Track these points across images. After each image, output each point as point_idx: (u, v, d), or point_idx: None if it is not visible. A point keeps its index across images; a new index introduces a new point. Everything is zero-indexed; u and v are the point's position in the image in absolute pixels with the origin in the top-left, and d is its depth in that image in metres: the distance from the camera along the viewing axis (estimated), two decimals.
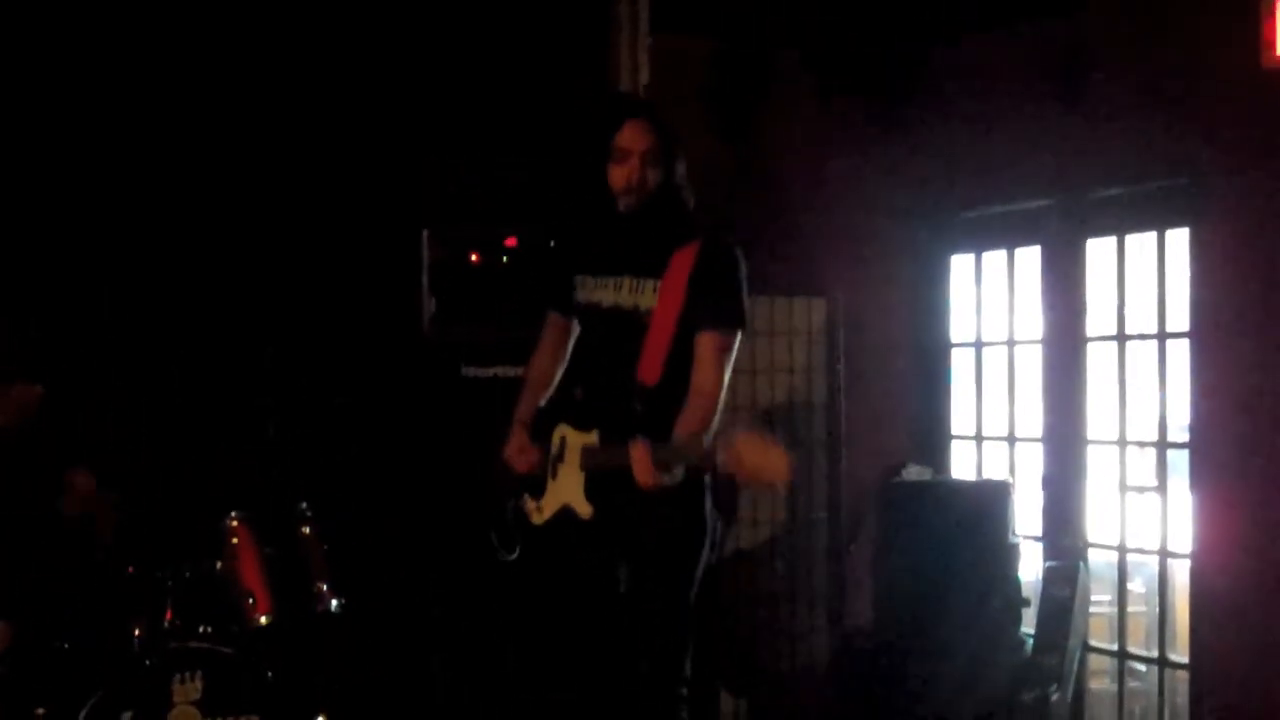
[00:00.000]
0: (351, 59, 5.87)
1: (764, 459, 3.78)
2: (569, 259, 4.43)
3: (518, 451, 4.39)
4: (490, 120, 6.03)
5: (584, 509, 4.22)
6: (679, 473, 4.06)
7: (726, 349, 4.20)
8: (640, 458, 3.99)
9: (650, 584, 4.20)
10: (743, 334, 4.26)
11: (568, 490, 4.28)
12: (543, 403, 4.51)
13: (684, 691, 4.21)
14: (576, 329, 4.49)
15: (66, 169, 5.55)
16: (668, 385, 4.15)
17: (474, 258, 5.87)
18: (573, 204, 4.38)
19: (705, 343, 4.17)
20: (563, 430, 4.34)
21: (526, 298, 4.68)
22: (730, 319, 4.20)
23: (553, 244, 4.77)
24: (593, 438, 4.24)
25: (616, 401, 4.21)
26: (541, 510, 4.37)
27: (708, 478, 4.23)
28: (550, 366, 4.54)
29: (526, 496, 4.42)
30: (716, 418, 4.15)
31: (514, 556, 4.48)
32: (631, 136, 4.16)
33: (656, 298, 4.19)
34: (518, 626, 4.65)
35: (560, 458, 4.33)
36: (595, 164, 4.22)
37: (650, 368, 4.16)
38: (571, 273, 4.39)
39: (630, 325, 4.22)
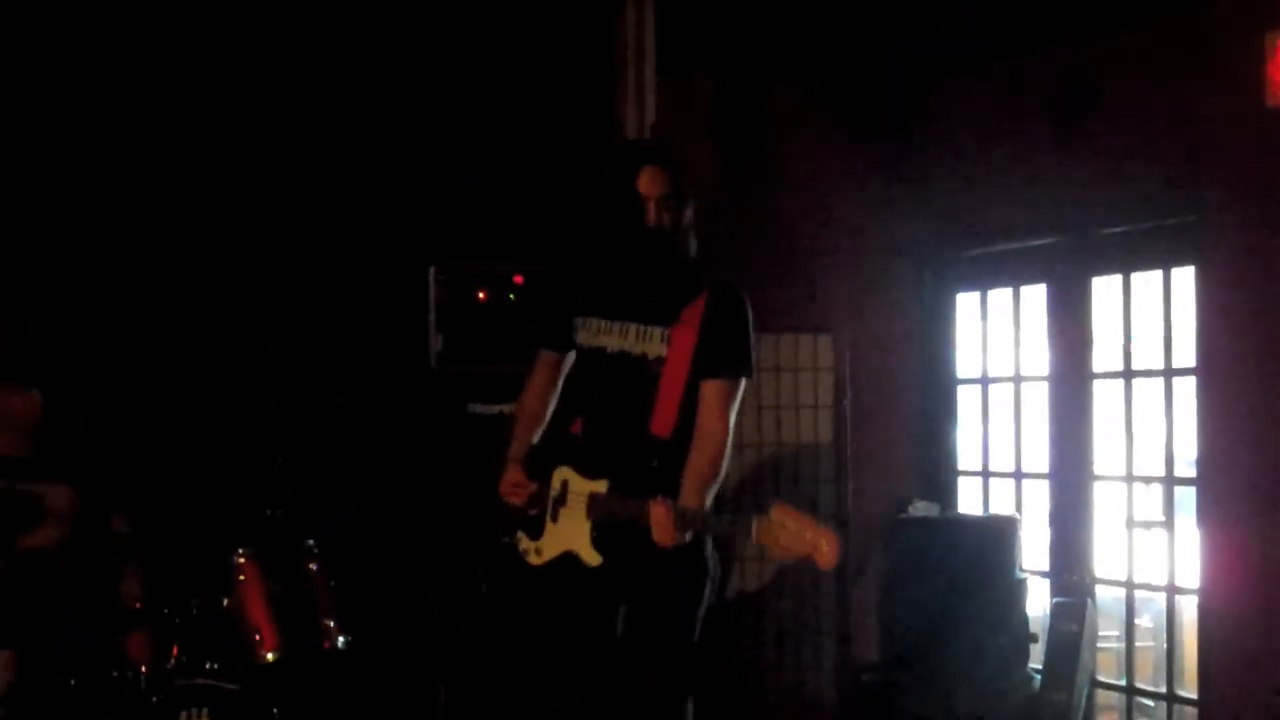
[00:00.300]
0: (363, 92, 5.91)
1: (800, 541, 3.72)
2: (569, 298, 4.41)
3: (511, 486, 4.37)
4: (499, 162, 6.06)
5: (592, 558, 4.18)
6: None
7: (732, 396, 4.21)
8: (661, 518, 3.96)
9: (652, 628, 4.18)
10: (747, 381, 4.27)
11: (571, 536, 4.24)
12: (536, 439, 4.49)
13: None
14: (568, 365, 4.49)
15: (72, 180, 5.58)
16: (681, 438, 4.15)
17: (481, 295, 5.90)
18: (578, 244, 4.37)
19: (711, 390, 4.18)
20: (565, 473, 4.29)
21: (532, 335, 4.69)
22: (736, 367, 4.22)
23: (553, 280, 4.75)
24: (601, 486, 4.20)
25: (627, 451, 4.19)
26: (540, 553, 4.33)
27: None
28: (543, 403, 4.52)
29: (522, 536, 4.38)
30: (725, 464, 4.16)
31: (484, 590, 4.48)
32: (649, 182, 4.16)
33: (666, 347, 4.19)
34: (518, 661, 4.64)
35: (562, 501, 4.29)
36: (603, 206, 4.22)
37: (664, 420, 4.15)
38: (571, 313, 4.38)
39: (640, 373, 4.22)
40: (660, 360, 4.19)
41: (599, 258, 4.30)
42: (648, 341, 4.23)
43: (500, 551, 4.44)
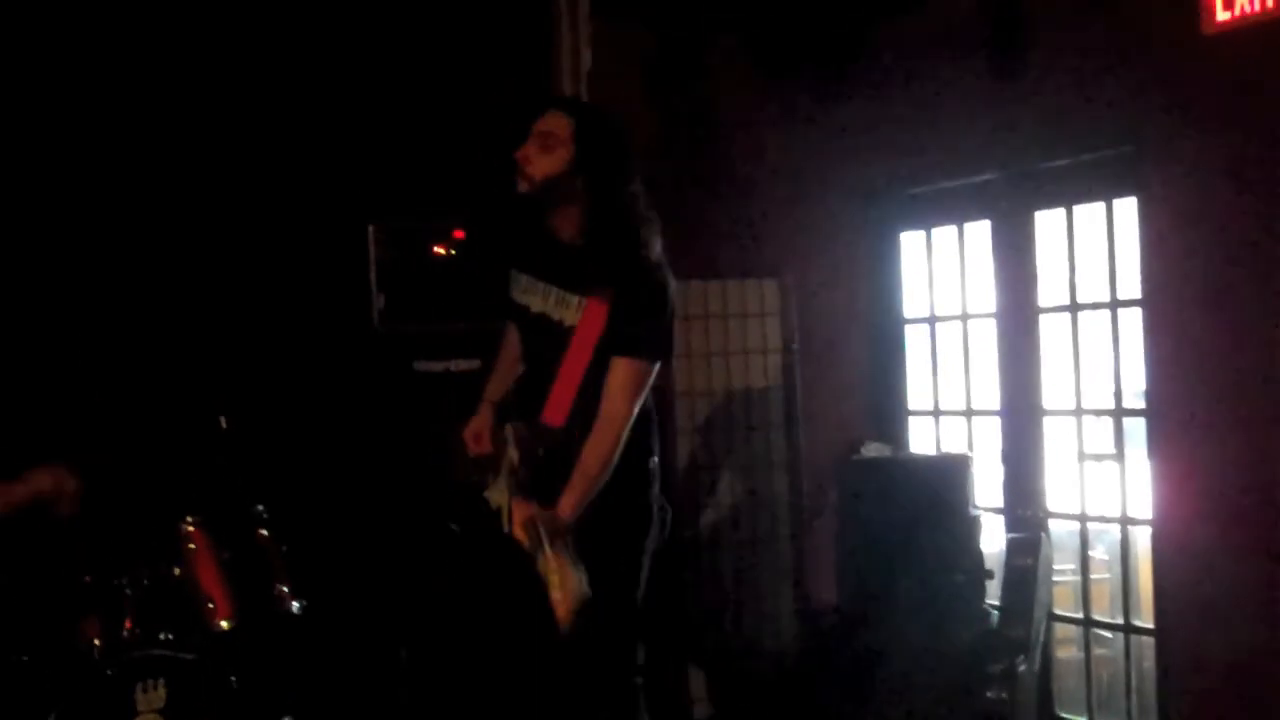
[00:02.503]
0: (296, 51, 5.82)
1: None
2: (509, 255, 4.43)
3: (474, 436, 4.42)
4: (434, 113, 6.00)
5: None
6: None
7: (641, 379, 4.18)
8: (518, 516, 4.06)
9: (594, 575, 4.15)
10: (662, 365, 4.25)
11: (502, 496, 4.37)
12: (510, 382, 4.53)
13: (639, 680, 4.26)
14: None
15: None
16: (574, 426, 4.16)
17: (422, 252, 5.86)
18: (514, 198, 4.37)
19: (619, 369, 4.14)
20: (509, 430, 4.37)
21: (476, 290, 4.69)
22: (651, 350, 4.19)
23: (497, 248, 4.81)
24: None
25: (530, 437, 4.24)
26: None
27: (653, 462, 4.28)
28: (515, 359, 4.55)
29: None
30: (616, 456, 4.14)
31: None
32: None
33: (579, 316, 4.18)
34: (475, 622, 4.67)
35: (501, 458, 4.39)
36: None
37: (557, 408, 4.16)
38: (510, 268, 4.41)
39: (554, 336, 4.24)
40: (572, 331, 4.18)
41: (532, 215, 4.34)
42: (565, 308, 4.23)
43: (468, 491, 4.48)
